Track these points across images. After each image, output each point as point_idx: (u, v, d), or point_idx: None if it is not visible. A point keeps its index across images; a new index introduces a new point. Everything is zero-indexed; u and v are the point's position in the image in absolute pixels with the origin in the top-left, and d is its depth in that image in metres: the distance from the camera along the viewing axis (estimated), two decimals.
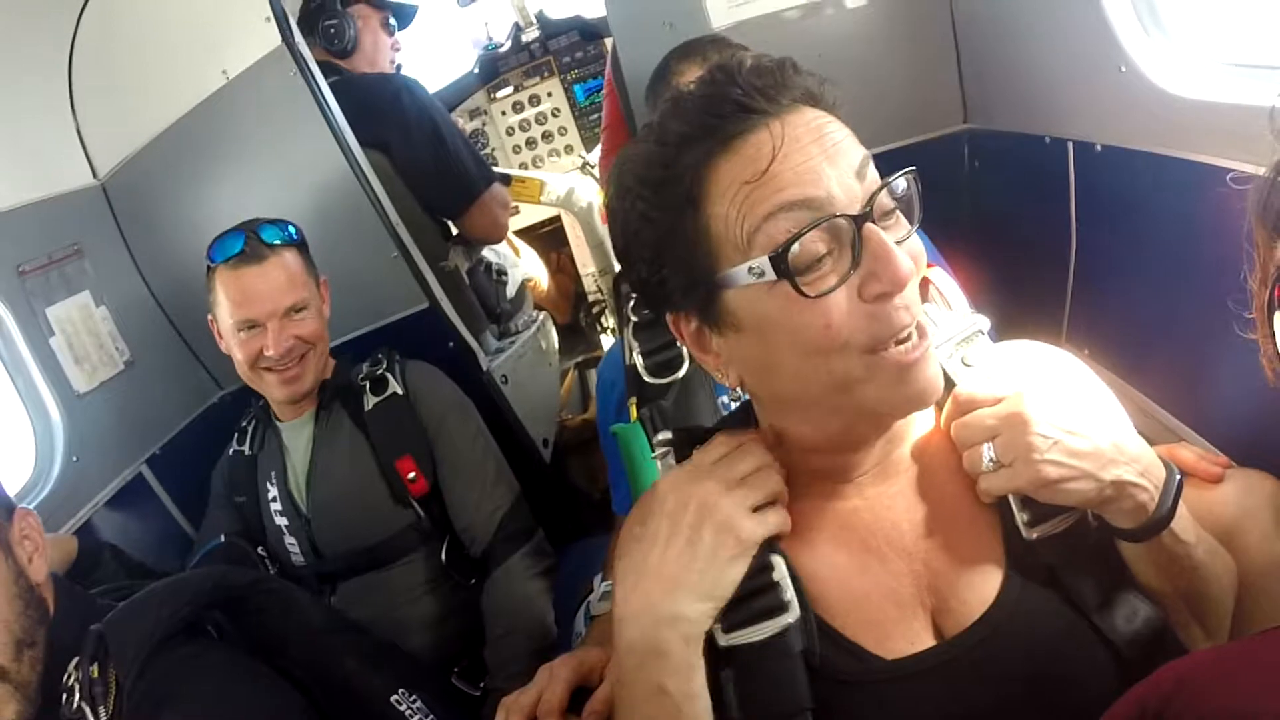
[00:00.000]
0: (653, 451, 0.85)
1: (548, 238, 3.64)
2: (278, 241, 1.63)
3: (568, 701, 0.91)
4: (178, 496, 1.94)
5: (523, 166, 3.61)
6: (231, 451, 1.82)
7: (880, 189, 0.68)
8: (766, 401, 0.80)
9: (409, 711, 1.22)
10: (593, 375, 3.13)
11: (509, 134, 3.65)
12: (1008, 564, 0.75)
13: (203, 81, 1.92)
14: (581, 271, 3.52)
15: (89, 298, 1.87)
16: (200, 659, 1.05)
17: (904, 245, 0.68)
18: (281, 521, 1.73)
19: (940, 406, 0.79)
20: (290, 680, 1.12)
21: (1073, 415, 0.70)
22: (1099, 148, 1.42)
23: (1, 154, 1.76)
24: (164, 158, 1.98)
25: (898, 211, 0.70)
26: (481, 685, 1.64)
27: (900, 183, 0.70)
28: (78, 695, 0.95)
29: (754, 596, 0.73)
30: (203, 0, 1.93)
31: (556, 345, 2.73)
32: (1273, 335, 0.61)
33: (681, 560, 0.73)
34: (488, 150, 3.62)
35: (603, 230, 3.11)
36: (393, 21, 2.47)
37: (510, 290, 2.55)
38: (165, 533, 1.90)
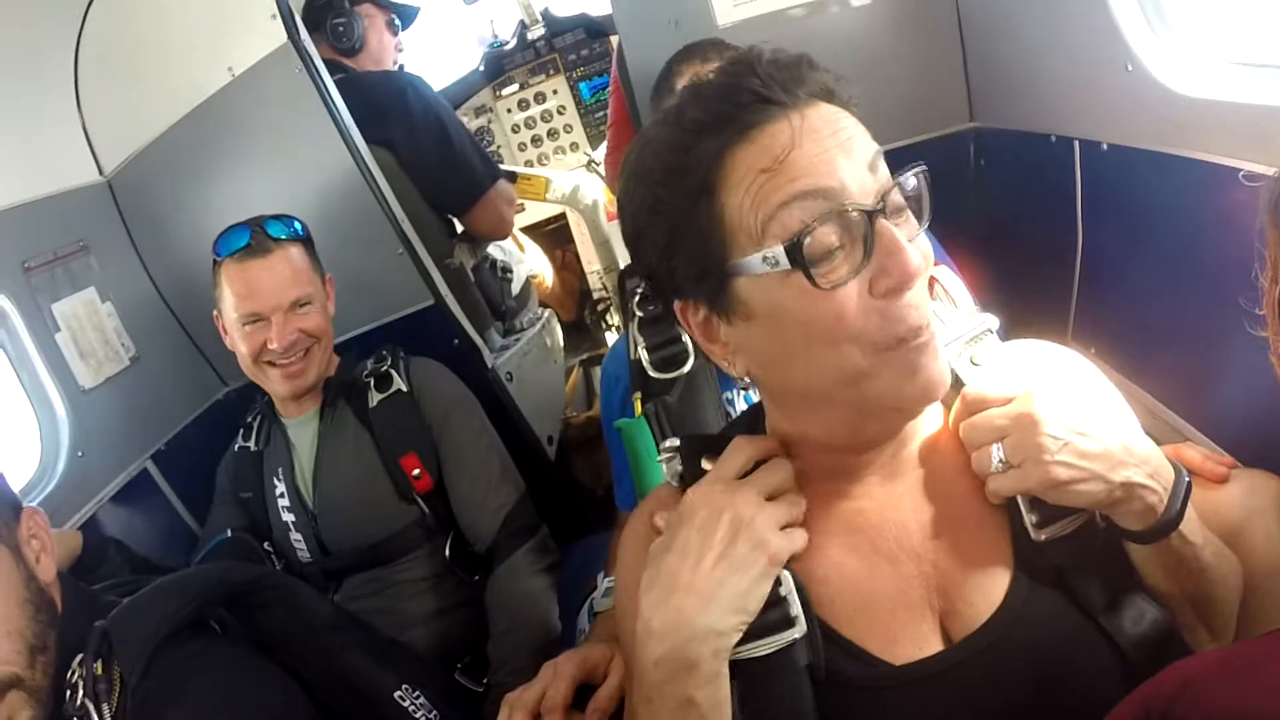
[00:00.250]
0: (658, 450, 0.85)
1: (553, 235, 3.64)
2: (283, 236, 1.63)
3: (571, 698, 0.91)
4: (183, 492, 1.94)
5: (528, 164, 3.62)
6: (237, 447, 1.82)
7: (893, 185, 0.68)
8: (774, 394, 0.80)
9: (412, 707, 1.22)
10: (597, 373, 3.13)
11: (514, 131, 3.66)
12: (1016, 565, 0.75)
13: (208, 78, 1.92)
14: (586, 269, 3.53)
15: (94, 294, 1.87)
16: (205, 655, 1.05)
17: (914, 244, 0.68)
18: (289, 518, 1.73)
19: (948, 406, 0.78)
20: (294, 676, 1.12)
21: (1083, 416, 0.70)
22: (1105, 147, 1.41)
23: (8, 150, 1.76)
24: (170, 155, 1.98)
25: (908, 210, 0.70)
26: (484, 681, 1.64)
27: (911, 180, 0.70)
28: (81, 692, 0.95)
29: (762, 611, 0.73)
30: None
31: (561, 342, 2.73)
32: None
33: (715, 575, 0.71)
34: (493, 147, 3.63)
35: (608, 228, 3.11)
36: (397, 22, 2.49)
37: (515, 287, 2.55)
38: (170, 528, 1.90)
